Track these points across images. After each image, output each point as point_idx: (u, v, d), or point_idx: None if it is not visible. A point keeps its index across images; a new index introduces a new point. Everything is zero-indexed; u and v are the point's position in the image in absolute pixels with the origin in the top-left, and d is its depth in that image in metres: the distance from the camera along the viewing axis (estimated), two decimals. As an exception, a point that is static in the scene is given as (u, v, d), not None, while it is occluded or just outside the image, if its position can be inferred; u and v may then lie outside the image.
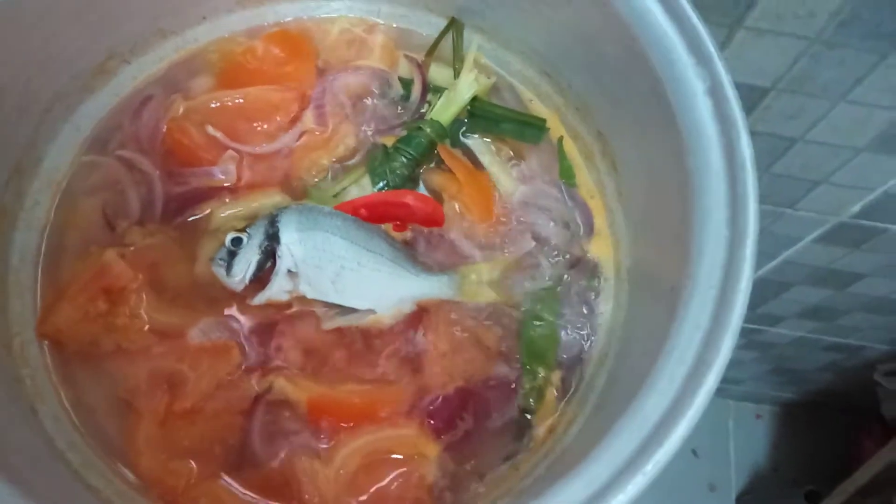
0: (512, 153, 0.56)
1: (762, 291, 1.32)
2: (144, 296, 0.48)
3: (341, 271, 0.48)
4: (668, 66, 0.42)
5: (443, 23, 0.57)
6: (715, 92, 0.40)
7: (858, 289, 1.26)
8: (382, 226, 0.52)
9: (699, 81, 0.40)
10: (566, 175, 0.56)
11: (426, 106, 0.56)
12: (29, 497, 0.34)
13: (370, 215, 0.51)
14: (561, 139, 0.56)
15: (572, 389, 0.50)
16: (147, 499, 0.44)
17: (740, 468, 1.95)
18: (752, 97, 0.82)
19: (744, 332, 1.51)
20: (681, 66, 0.41)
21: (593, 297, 0.53)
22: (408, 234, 0.53)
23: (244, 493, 0.45)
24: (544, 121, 0.55)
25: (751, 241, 0.36)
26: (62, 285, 0.48)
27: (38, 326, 0.48)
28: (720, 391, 1.92)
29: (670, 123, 0.42)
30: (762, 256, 1.19)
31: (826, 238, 1.10)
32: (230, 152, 0.52)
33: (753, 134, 0.89)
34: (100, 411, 0.46)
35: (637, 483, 0.33)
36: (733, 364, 1.80)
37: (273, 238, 0.47)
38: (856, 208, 1.02)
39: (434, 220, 0.52)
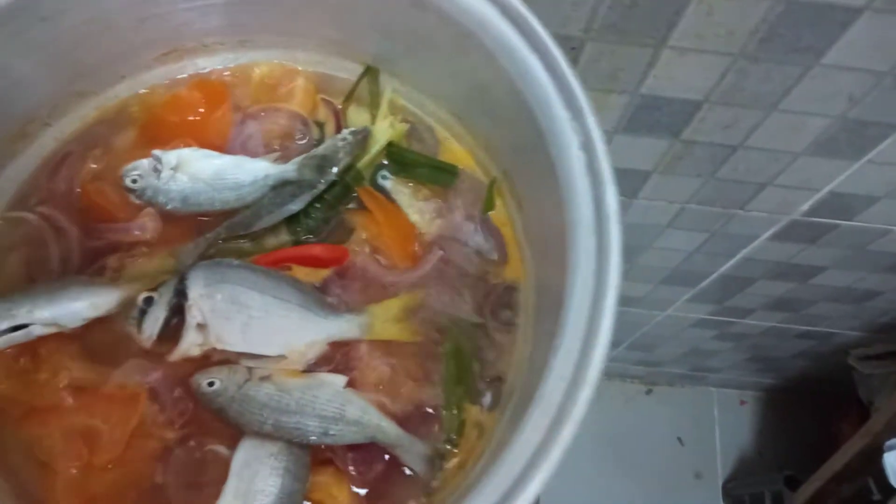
0: (430, 192, 0.58)
1: (727, 287, 1.34)
2: (68, 352, 0.50)
3: (250, 321, 0.50)
4: (548, 119, 0.44)
5: (359, 68, 0.59)
6: (587, 147, 0.42)
7: (821, 280, 1.28)
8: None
9: (574, 136, 0.42)
10: (488, 208, 0.58)
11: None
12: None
13: (283, 267, 0.53)
14: (494, 180, 0.57)
15: (484, 422, 0.52)
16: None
17: (726, 455, 1.97)
18: (686, 110, 0.84)
19: (716, 324, 1.54)
20: (559, 120, 0.43)
21: (508, 326, 0.55)
22: (324, 274, 0.55)
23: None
24: (455, 167, 0.57)
25: (612, 293, 0.38)
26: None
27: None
28: (700, 379, 1.95)
29: (552, 174, 0.44)
30: (721, 256, 1.21)
31: (780, 236, 1.12)
32: (148, 209, 0.54)
33: (693, 143, 0.92)
34: (23, 471, 0.48)
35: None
36: (710, 353, 1.82)
37: (181, 294, 0.49)
38: (804, 207, 1.04)
39: (341, 263, 0.55)
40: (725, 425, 2.00)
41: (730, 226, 1.11)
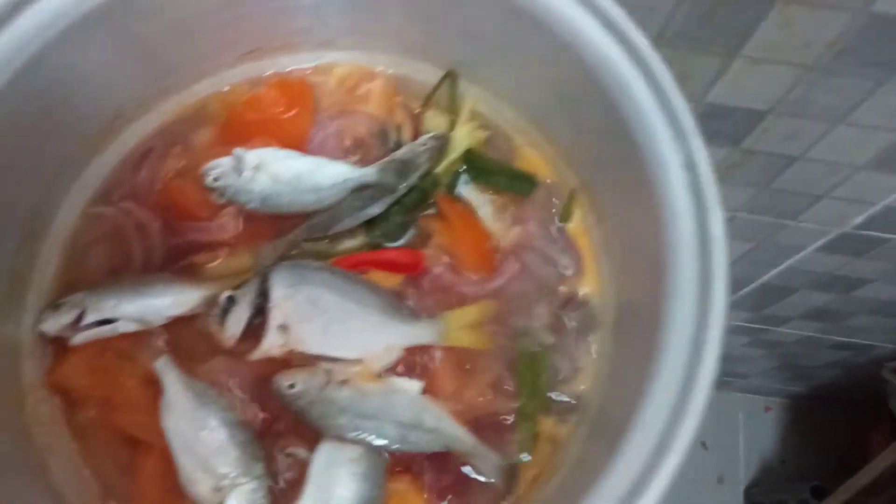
0: (506, 201, 0.58)
1: (766, 295, 1.33)
2: (151, 349, 0.51)
3: (329, 323, 0.50)
4: (646, 135, 0.43)
5: (438, 71, 0.59)
6: (690, 166, 0.41)
7: (863, 293, 1.27)
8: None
9: (675, 154, 0.42)
10: (565, 219, 0.57)
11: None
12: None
13: (360, 270, 0.53)
14: (573, 192, 0.57)
15: (559, 436, 0.52)
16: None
17: (749, 460, 1.96)
18: (749, 120, 0.83)
19: (749, 332, 1.53)
20: (658, 136, 0.42)
21: (584, 339, 0.55)
22: (400, 279, 0.55)
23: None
24: (534, 177, 0.57)
25: (717, 322, 0.37)
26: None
27: (48, 375, 0.50)
28: (727, 385, 1.94)
29: (647, 191, 0.43)
30: (765, 265, 1.20)
31: (829, 247, 1.11)
32: (229, 208, 0.54)
33: (753, 153, 0.91)
34: (105, 458, 0.49)
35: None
36: (739, 359, 1.81)
37: (264, 295, 0.49)
38: (857, 220, 1.03)
39: (417, 269, 0.55)
40: (750, 431, 1.99)
41: (778, 236, 1.10)
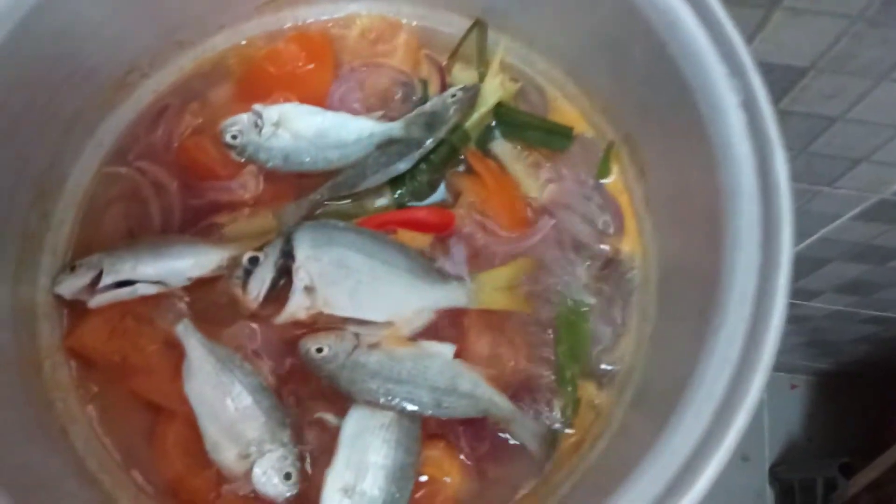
0: (540, 156, 0.55)
1: (798, 268, 1.28)
2: (172, 313, 0.48)
3: (358, 286, 0.47)
4: (698, 75, 0.40)
5: (466, 21, 0.55)
6: (749, 105, 0.38)
7: (899, 264, 1.22)
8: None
9: (732, 93, 0.38)
10: (603, 174, 0.54)
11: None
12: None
13: (388, 230, 0.51)
14: (611, 145, 0.54)
15: (601, 402, 0.49)
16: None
17: (774, 439, 1.93)
18: (789, 77, 0.79)
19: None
20: (712, 75, 0.39)
21: (625, 300, 0.52)
22: (429, 239, 0.52)
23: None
24: (571, 130, 0.53)
25: (784, 269, 0.34)
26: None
27: (65, 339, 0.49)
28: (753, 363, 1.90)
29: (701, 136, 0.40)
30: (798, 235, 1.16)
31: (866, 215, 1.07)
32: (249, 167, 0.51)
33: (790, 114, 0.87)
34: (126, 425, 0.48)
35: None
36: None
37: (288, 256, 0.47)
38: (897, 186, 0.98)
39: (447, 228, 0.52)
40: (775, 409, 1.96)
41: (813, 203, 1.06)
